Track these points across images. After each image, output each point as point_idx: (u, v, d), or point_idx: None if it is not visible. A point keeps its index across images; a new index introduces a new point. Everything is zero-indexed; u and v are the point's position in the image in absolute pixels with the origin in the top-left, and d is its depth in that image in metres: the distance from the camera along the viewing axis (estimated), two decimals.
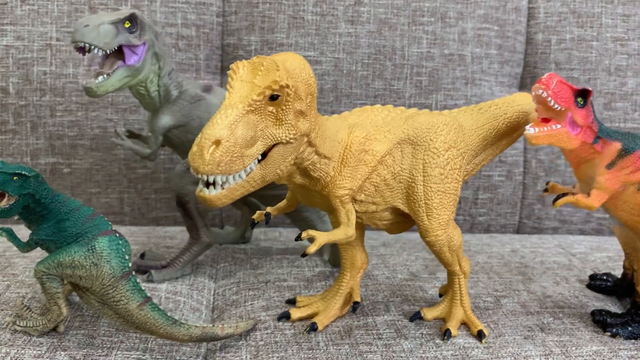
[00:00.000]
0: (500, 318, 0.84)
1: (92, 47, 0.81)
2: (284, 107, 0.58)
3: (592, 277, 0.99)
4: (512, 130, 0.86)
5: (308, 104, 0.61)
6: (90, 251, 0.68)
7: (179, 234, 1.15)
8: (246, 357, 0.72)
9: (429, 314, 0.82)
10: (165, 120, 0.91)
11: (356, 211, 0.73)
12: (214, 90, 0.96)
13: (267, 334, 0.77)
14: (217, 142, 0.54)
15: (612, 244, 1.21)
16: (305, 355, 0.72)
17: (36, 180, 0.69)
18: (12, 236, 0.72)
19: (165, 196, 1.24)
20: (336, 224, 0.79)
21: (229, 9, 1.23)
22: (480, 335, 0.78)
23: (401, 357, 0.72)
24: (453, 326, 0.79)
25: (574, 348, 0.76)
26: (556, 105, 0.76)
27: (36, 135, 1.20)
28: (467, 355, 0.73)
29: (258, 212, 0.74)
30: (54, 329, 0.73)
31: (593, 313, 0.85)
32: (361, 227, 0.81)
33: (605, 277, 0.98)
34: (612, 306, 0.91)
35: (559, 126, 0.77)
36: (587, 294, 0.94)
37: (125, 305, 0.69)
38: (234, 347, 0.74)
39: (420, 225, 0.75)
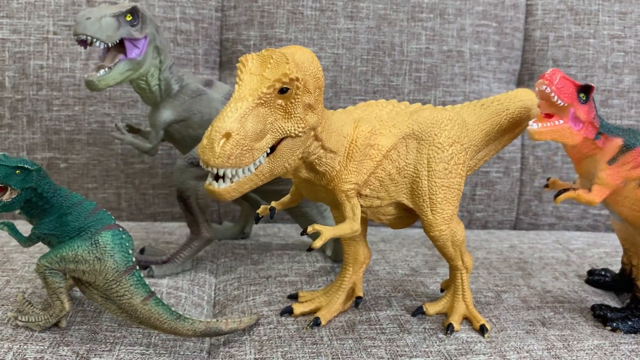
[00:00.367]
0: (501, 313, 0.84)
1: (94, 40, 0.80)
2: (293, 100, 0.58)
3: (591, 272, 1.00)
4: (514, 126, 0.86)
5: (316, 97, 0.61)
6: (94, 245, 0.68)
7: (177, 230, 1.15)
8: (250, 352, 0.71)
9: (431, 308, 0.82)
10: (166, 114, 0.91)
11: (361, 206, 0.73)
12: (215, 85, 0.95)
13: (270, 328, 0.77)
14: (228, 135, 0.54)
15: (608, 240, 1.22)
16: (310, 350, 0.72)
17: (38, 174, 0.69)
18: (13, 230, 0.71)
19: (163, 192, 1.24)
20: (340, 218, 0.79)
21: (227, 3, 1.23)
22: (482, 330, 0.78)
23: (405, 351, 0.72)
24: (455, 321, 0.79)
25: (575, 342, 0.77)
26: (559, 101, 0.76)
27: (32, 130, 1.18)
28: (471, 350, 0.73)
29: (263, 206, 0.73)
30: (56, 324, 0.72)
31: (593, 308, 0.86)
32: (364, 222, 0.81)
33: (603, 273, 0.99)
34: (610, 301, 0.92)
35: (561, 122, 0.78)
36: (586, 289, 0.95)
37: (129, 300, 0.68)
38: (238, 342, 0.74)
39: (424, 220, 0.75)
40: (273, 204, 0.74)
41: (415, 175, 0.74)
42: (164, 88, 0.91)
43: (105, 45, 0.81)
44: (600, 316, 0.84)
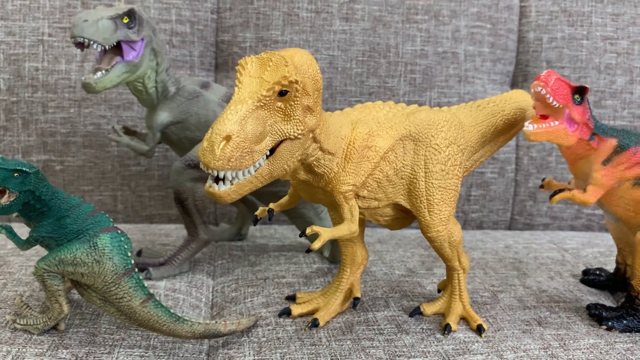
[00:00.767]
0: (498, 313, 0.85)
1: (92, 42, 0.80)
2: (292, 103, 0.58)
3: (585, 272, 1.01)
4: (510, 127, 0.87)
5: (315, 99, 0.61)
6: (92, 248, 0.68)
7: (174, 232, 1.15)
8: (249, 353, 0.72)
9: (429, 309, 0.82)
10: (163, 116, 0.91)
11: (359, 207, 0.73)
12: (212, 87, 0.95)
13: (268, 330, 0.77)
14: (228, 138, 0.54)
15: (602, 240, 1.23)
16: (308, 351, 0.72)
17: (37, 177, 0.69)
18: (11, 233, 0.71)
19: (159, 194, 1.24)
20: (338, 220, 0.80)
21: (223, 5, 1.23)
22: (479, 330, 0.78)
23: (403, 352, 0.73)
24: (453, 321, 0.79)
25: (571, 341, 0.78)
26: (555, 103, 0.77)
27: (28, 132, 1.18)
28: (468, 350, 0.74)
29: (261, 208, 0.74)
30: (55, 327, 0.72)
31: (588, 307, 0.87)
32: (362, 224, 0.81)
33: (598, 272, 1.00)
34: (605, 300, 0.93)
35: (556, 123, 0.79)
36: (581, 289, 0.96)
37: (128, 303, 0.68)
38: (237, 344, 0.74)
39: (421, 221, 0.76)
40: (271, 205, 0.74)
41: (412, 176, 0.74)
42: (161, 90, 0.91)
43: (103, 48, 0.81)
44: (596, 315, 0.84)
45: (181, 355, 0.72)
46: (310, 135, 0.64)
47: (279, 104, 0.58)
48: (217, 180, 0.57)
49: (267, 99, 0.57)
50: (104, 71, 0.83)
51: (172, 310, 0.70)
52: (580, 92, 0.79)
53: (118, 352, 0.69)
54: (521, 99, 0.88)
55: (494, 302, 0.88)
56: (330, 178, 0.69)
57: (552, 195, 0.83)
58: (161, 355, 0.71)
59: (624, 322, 0.82)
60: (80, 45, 0.81)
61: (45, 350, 0.68)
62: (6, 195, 0.67)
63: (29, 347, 0.68)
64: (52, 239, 0.70)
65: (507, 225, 1.36)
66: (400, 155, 0.74)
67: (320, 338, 0.75)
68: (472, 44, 1.28)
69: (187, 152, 0.93)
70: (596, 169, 0.82)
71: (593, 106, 1.31)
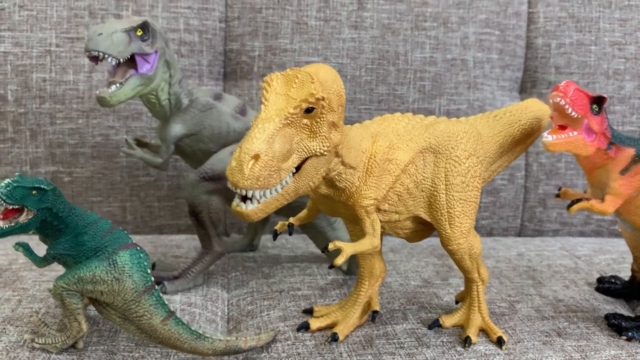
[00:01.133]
0: (517, 324, 0.84)
1: (106, 55, 0.79)
2: (318, 120, 0.58)
3: (600, 280, 1.00)
4: (526, 137, 0.86)
5: (339, 115, 0.61)
6: (112, 266, 0.67)
7: (185, 242, 1.14)
8: None
9: (447, 321, 0.82)
10: (177, 129, 0.90)
11: (379, 220, 0.72)
12: (224, 98, 0.95)
13: (288, 345, 0.76)
14: (256, 157, 0.53)
15: (613, 246, 1.23)
16: None
17: (54, 194, 0.68)
18: (28, 251, 0.70)
19: (169, 204, 1.23)
20: (357, 234, 0.79)
21: (231, 14, 1.22)
22: (500, 342, 0.78)
23: None
24: (472, 333, 0.79)
25: (592, 353, 0.77)
26: (573, 113, 0.76)
27: (36, 144, 1.17)
28: None
29: (280, 222, 0.73)
30: (73, 346, 0.71)
31: (607, 317, 0.86)
32: (380, 237, 0.80)
33: (613, 280, 0.99)
34: (621, 309, 0.92)
35: (575, 133, 0.78)
36: (597, 297, 0.95)
37: (149, 321, 0.68)
38: None
39: (442, 233, 0.75)
40: (291, 220, 0.73)
41: (433, 189, 0.74)
42: (174, 102, 0.90)
43: (117, 61, 0.81)
44: (615, 325, 0.84)
45: None
46: (334, 150, 0.63)
47: (305, 121, 0.57)
48: (244, 199, 0.56)
49: (294, 116, 0.56)
50: (118, 84, 0.82)
51: (192, 328, 0.69)
52: (598, 102, 0.78)
53: None
54: (537, 108, 0.87)
55: (512, 313, 0.88)
56: (352, 192, 0.68)
57: (569, 205, 0.82)
58: None
59: None
60: (95, 59, 0.80)
61: None
62: (24, 214, 0.66)
63: None
64: (70, 256, 0.69)
65: (517, 232, 1.35)
66: (421, 167, 0.73)
67: (340, 353, 0.74)
68: (481, 51, 1.28)
69: (200, 164, 0.92)
70: (614, 178, 0.81)
71: None
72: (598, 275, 1.04)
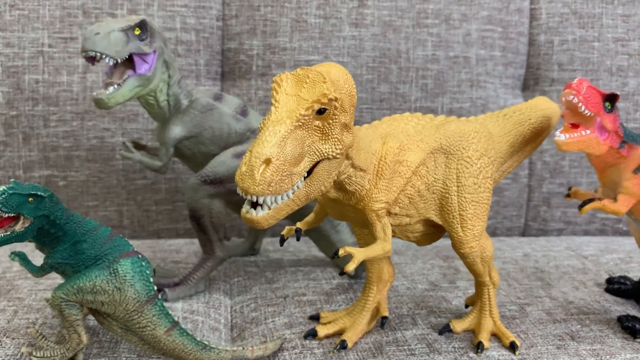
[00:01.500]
0: (529, 327, 0.82)
1: (103, 56, 0.76)
2: (330, 121, 0.55)
3: (609, 280, 0.99)
4: (536, 136, 0.84)
5: (351, 116, 0.58)
6: (113, 275, 0.64)
7: (184, 247, 1.11)
8: None
9: (458, 326, 0.80)
10: (177, 131, 0.87)
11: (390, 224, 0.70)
12: (224, 99, 0.92)
13: (295, 353, 0.74)
14: (268, 161, 0.51)
15: (619, 245, 1.21)
16: None
17: (51, 201, 0.65)
18: (24, 261, 0.67)
19: (166, 207, 1.20)
20: (366, 238, 0.77)
21: (229, 12, 1.19)
22: (513, 347, 0.76)
23: None
24: (484, 338, 0.77)
25: (607, 356, 0.75)
26: (587, 111, 0.74)
27: (29, 147, 1.14)
28: None
29: (287, 227, 0.70)
30: (73, 358, 0.68)
31: (620, 319, 0.84)
32: None
33: (622, 280, 0.98)
34: (632, 310, 0.90)
35: (588, 132, 0.76)
36: (607, 298, 0.93)
37: (152, 332, 0.65)
38: None
39: (454, 236, 0.73)
40: (299, 224, 0.71)
41: (444, 191, 0.71)
42: (173, 103, 0.88)
43: (114, 61, 0.78)
44: (629, 328, 0.82)
45: None
46: (345, 152, 0.61)
47: (317, 122, 0.55)
48: (254, 205, 0.53)
49: (306, 118, 0.53)
50: (115, 86, 0.79)
51: (197, 338, 0.67)
52: (611, 99, 0.76)
53: None
54: (546, 106, 0.85)
55: (523, 316, 0.85)
56: (362, 196, 0.66)
57: (581, 206, 0.81)
58: None
59: None
60: (91, 59, 0.77)
61: None
62: (21, 222, 0.63)
63: None
64: (69, 265, 0.66)
65: (520, 232, 1.34)
66: (432, 169, 0.71)
67: None
68: (484, 48, 1.25)
69: (201, 167, 0.89)
70: (627, 177, 0.79)
71: None
72: (606, 276, 1.02)
